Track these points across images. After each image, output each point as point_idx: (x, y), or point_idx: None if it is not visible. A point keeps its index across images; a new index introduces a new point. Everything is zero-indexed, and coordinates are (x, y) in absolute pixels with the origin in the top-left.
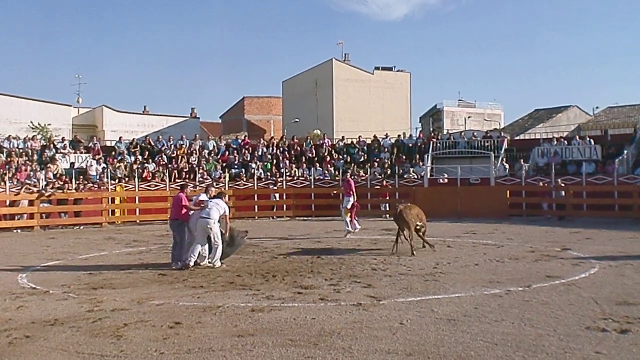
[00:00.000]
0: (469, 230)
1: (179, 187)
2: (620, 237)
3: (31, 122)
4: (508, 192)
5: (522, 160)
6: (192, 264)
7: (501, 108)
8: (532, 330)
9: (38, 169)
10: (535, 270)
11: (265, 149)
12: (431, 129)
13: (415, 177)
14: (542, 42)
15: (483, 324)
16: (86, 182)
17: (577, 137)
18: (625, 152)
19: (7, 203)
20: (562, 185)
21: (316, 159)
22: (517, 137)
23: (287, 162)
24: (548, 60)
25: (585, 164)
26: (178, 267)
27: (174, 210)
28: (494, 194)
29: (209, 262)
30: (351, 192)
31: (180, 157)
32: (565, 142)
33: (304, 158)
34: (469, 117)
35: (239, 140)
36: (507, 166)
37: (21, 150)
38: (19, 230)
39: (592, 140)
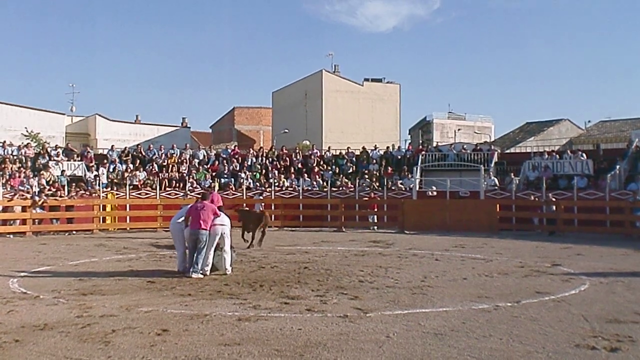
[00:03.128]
0: (457, 244)
1: (200, 196)
2: (612, 254)
3: (26, 128)
4: (498, 206)
5: (512, 174)
6: (209, 272)
7: (492, 121)
8: (521, 346)
9: (31, 176)
10: (525, 285)
11: (254, 159)
12: (420, 141)
13: (404, 189)
14: (534, 54)
15: (471, 339)
16: (78, 190)
17: (569, 151)
18: (618, 167)
19: (0, 209)
20: (553, 199)
21: (305, 169)
22: (508, 151)
23: (276, 172)
24: (539, 73)
25: (577, 178)
26: (196, 275)
27: (204, 220)
28: (483, 208)
29: (224, 269)
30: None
31: (170, 166)
32: (557, 156)
33: (292, 168)
34: (459, 129)
35: (229, 150)
36: (495, 180)
37: (15, 157)
38: (11, 236)
39: (584, 155)
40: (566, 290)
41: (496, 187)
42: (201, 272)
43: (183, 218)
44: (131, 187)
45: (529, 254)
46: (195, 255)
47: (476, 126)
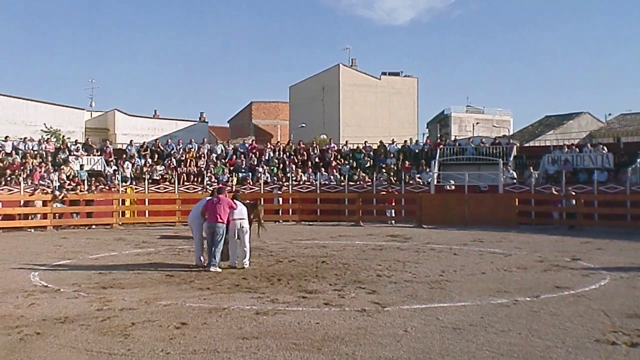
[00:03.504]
0: (476, 238)
1: (216, 191)
2: (632, 248)
3: (45, 124)
4: (517, 199)
5: (531, 168)
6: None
7: (510, 114)
8: (540, 341)
9: (51, 171)
10: (544, 280)
11: (272, 154)
12: (438, 135)
13: (422, 183)
14: (553, 47)
15: (489, 334)
16: (98, 184)
17: (589, 144)
18: (639, 160)
19: (22, 203)
20: (573, 193)
21: (322, 164)
22: (527, 144)
23: (294, 166)
24: (559, 65)
25: (597, 172)
26: (214, 269)
27: (220, 214)
28: (502, 202)
29: (242, 263)
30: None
31: (188, 160)
32: (577, 149)
33: (310, 163)
34: (477, 123)
35: (247, 145)
36: (514, 173)
37: (36, 153)
38: (32, 230)
39: (605, 148)
40: (586, 285)
41: (515, 181)
42: (219, 265)
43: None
44: (150, 181)
45: (549, 248)
46: (213, 248)
47: (495, 120)
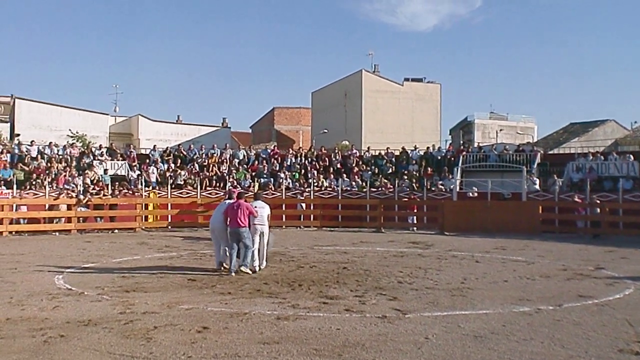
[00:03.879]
0: (498, 245)
1: (237, 196)
2: None
3: (70, 130)
4: (540, 207)
5: (555, 176)
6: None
7: (534, 121)
8: (563, 351)
9: (76, 175)
10: (567, 289)
11: (293, 159)
12: (461, 142)
13: (444, 190)
14: (578, 52)
15: (511, 342)
16: (121, 189)
17: (614, 152)
18: None
19: (47, 207)
20: (598, 202)
21: (344, 170)
22: (551, 152)
23: (315, 172)
24: (584, 72)
25: (623, 180)
26: (245, 269)
27: (241, 218)
28: (525, 210)
29: (259, 266)
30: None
31: (211, 165)
32: (602, 157)
33: (331, 169)
34: (500, 130)
35: (269, 150)
36: (537, 181)
37: (60, 157)
38: (57, 233)
39: (631, 156)
40: (610, 294)
41: (537, 187)
42: (249, 268)
43: (220, 216)
44: (173, 186)
45: (572, 256)
46: (244, 251)
47: (519, 126)
